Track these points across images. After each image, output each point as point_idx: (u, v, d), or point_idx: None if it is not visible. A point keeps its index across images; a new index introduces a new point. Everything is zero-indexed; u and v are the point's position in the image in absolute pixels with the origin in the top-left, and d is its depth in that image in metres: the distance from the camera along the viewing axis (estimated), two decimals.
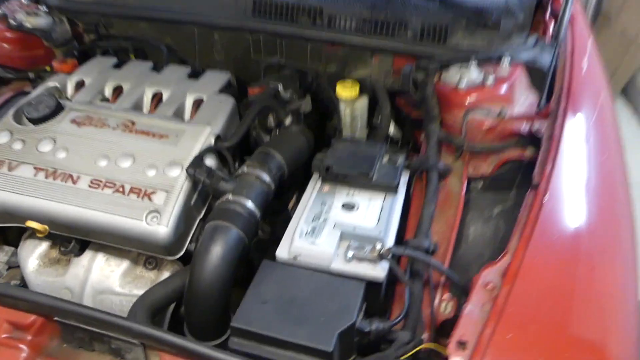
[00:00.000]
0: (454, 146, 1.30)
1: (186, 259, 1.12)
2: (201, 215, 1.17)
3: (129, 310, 1.02)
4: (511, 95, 1.31)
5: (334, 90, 1.43)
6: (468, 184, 1.26)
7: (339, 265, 1.02)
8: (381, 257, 1.00)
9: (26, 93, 1.39)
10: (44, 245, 1.22)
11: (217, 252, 0.98)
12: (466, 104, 1.30)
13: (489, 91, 1.30)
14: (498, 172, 1.26)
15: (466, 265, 1.18)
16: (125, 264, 1.18)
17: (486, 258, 1.19)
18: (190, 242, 1.15)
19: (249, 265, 1.15)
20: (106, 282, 1.17)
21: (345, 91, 1.42)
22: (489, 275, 0.92)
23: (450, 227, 1.17)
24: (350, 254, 1.02)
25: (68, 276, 1.18)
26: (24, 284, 1.23)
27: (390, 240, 1.07)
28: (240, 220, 1.03)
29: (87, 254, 1.19)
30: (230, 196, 1.07)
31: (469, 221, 1.21)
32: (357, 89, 1.43)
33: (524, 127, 1.24)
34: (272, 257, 1.27)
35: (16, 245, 1.28)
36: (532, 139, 1.23)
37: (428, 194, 1.20)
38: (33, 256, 1.22)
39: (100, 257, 1.19)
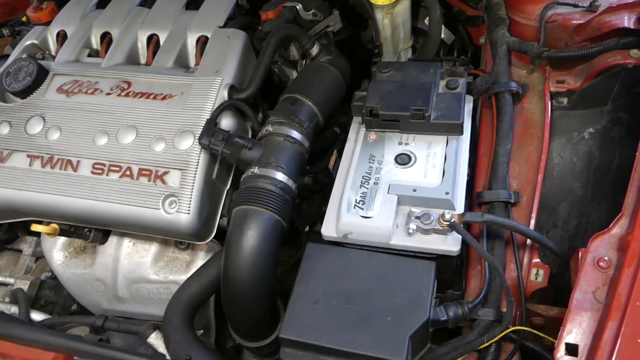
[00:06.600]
0: (529, 56, 1.01)
1: (222, 233, 0.97)
2: (228, 186, 0.99)
3: (164, 316, 0.89)
4: None
5: None
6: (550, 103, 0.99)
7: (400, 240, 0.83)
8: (452, 227, 0.80)
9: (6, 56, 1.18)
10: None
11: (250, 246, 0.80)
12: None
13: None
14: (589, 85, 0.97)
15: (553, 207, 0.96)
16: (154, 248, 1.04)
17: (578, 195, 0.97)
18: (221, 217, 0.98)
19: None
20: (138, 270, 1.04)
21: None
22: (601, 247, 0.70)
23: (533, 167, 0.93)
24: (413, 225, 0.82)
25: (97, 267, 1.06)
26: (54, 277, 1.13)
27: (460, 201, 0.86)
28: (273, 200, 0.84)
29: (112, 241, 1.05)
30: (257, 169, 0.86)
31: (552, 149, 0.96)
32: None
33: (628, 19, 0.93)
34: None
35: (39, 234, 1.16)
36: None
37: (501, 127, 0.95)
38: (56, 247, 1.09)
39: (127, 243, 1.05)
